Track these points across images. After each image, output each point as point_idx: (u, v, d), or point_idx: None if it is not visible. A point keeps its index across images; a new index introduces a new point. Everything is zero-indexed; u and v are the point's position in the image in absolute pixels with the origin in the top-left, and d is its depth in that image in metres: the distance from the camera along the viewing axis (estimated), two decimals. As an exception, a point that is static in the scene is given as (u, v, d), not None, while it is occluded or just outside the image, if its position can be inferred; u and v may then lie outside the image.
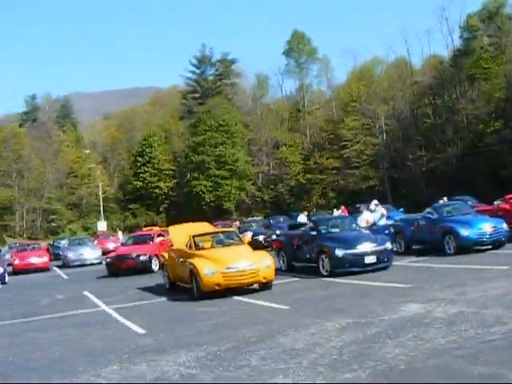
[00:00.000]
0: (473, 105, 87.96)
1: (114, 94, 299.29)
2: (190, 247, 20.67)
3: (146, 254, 31.81)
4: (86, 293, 24.62)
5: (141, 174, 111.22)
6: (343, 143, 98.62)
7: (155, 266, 30.88)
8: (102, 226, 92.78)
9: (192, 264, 19.13)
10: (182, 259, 20.60)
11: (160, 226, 70.71)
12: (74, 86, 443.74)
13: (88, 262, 43.81)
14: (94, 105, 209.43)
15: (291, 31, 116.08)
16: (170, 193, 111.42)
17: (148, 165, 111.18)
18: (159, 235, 36.52)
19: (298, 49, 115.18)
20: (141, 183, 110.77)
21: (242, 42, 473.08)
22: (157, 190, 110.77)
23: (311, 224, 24.78)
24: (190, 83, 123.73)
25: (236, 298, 18.52)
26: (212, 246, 20.95)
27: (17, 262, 43.93)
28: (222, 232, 23.45)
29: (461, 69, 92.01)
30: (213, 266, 18.53)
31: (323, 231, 23.28)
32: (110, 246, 53.08)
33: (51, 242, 63.61)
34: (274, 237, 28.56)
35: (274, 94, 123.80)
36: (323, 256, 21.52)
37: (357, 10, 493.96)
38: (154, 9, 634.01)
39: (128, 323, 15.77)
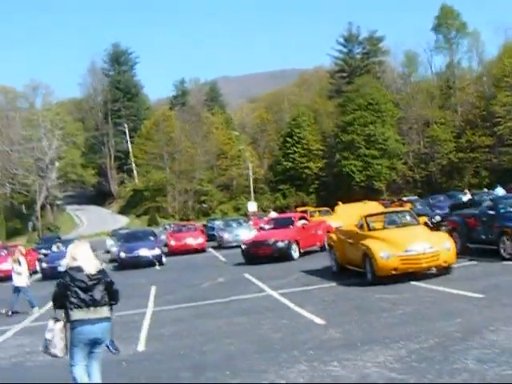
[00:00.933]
0: None
1: (259, 77, 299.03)
2: (362, 228, 19.39)
3: (285, 239, 29.00)
4: (247, 275, 23.92)
5: (290, 155, 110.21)
6: (496, 120, 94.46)
7: (294, 252, 28.92)
8: (252, 206, 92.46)
9: (365, 246, 17.93)
10: (352, 241, 19.45)
11: (310, 207, 69.17)
12: (220, 70, 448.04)
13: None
14: (239, 88, 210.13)
15: (439, 6, 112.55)
16: (320, 173, 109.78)
17: (297, 145, 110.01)
18: (301, 218, 33.12)
19: (446, 24, 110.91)
20: (290, 164, 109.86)
21: (388, 19, 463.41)
22: (306, 171, 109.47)
23: (489, 203, 22.75)
24: (337, 62, 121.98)
25: (413, 283, 17.17)
26: (384, 227, 19.62)
27: (173, 243, 43.95)
28: (396, 212, 21.99)
29: None
30: (389, 249, 17.27)
31: (502, 210, 21.20)
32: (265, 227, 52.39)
33: (205, 223, 63.41)
34: (437, 218, 26.73)
35: (423, 71, 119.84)
36: (505, 237, 19.65)
37: None
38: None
39: (302, 311, 14.74)
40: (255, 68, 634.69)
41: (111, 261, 41.04)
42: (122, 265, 35.07)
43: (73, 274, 8.70)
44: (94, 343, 8.78)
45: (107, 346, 9.12)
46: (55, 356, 9.00)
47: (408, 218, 20.27)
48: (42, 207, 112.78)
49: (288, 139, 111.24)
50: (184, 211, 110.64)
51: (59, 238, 60.38)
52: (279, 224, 32.65)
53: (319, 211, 49.51)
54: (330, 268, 22.06)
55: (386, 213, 21.15)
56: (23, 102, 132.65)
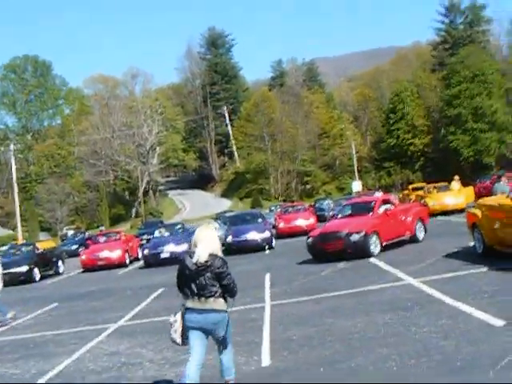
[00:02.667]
0: None
1: (355, 57, 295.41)
2: None
3: (361, 230, 23.18)
4: (373, 260, 21.52)
5: (394, 132, 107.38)
6: None
7: (375, 247, 23.26)
8: (356, 186, 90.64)
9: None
10: (507, 217, 16.69)
11: (420, 183, 66.22)
12: (316, 51, 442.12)
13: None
14: (336, 69, 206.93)
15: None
16: (425, 149, 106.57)
17: (401, 121, 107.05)
18: (385, 202, 26.86)
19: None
20: (394, 140, 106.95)
21: None
22: (411, 147, 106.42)
23: None
24: (439, 34, 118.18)
25: None
26: None
27: (282, 224, 42.13)
28: None
29: None
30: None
31: None
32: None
33: (312, 203, 61.09)
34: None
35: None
36: None
37: None
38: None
39: (462, 306, 12.13)
40: (351, 47, 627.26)
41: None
42: (229, 249, 32.99)
43: (185, 259, 8.34)
44: (206, 333, 8.30)
45: None
46: (174, 342, 8.60)
47: None
48: (145, 193, 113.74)
49: (391, 115, 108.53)
50: (287, 193, 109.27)
51: (162, 223, 59.31)
52: (355, 210, 26.84)
53: (436, 187, 46.44)
54: (469, 250, 19.48)
55: None
56: (123, 89, 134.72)
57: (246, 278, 20.90)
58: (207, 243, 8.23)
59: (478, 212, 18.67)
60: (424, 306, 12.72)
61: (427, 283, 15.14)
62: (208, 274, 8.11)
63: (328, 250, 23.57)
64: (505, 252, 16.96)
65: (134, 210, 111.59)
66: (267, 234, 33.53)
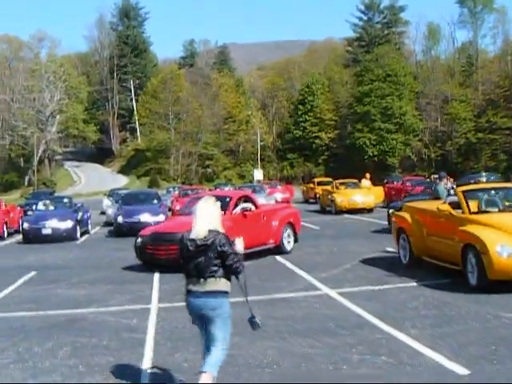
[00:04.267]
0: None
1: (267, 46, 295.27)
2: (459, 208, 14.36)
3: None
4: (281, 259, 18.98)
5: (301, 123, 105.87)
6: None
7: None
8: (258, 174, 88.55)
9: (471, 235, 12.95)
10: (443, 226, 14.53)
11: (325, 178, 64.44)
12: (228, 36, 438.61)
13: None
14: (247, 56, 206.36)
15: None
16: (331, 144, 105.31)
17: (309, 113, 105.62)
18: (245, 200, 21.03)
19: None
20: (301, 132, 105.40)
21: None
22: (317, 141, 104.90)
23: None
24: (356, 30, 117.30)
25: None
26: (482, 209, 14.51)
27: (178, 208, 39.15)
28: (503, 188, 16.33)
29: None
30: (511, 243, 12.39)
31: None
32: (278, 197, 47.95)
33: (213, 188, 58.35)
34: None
35: (445, 45, 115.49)
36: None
37: None
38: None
39: (402, 337, 9.61)
40: (263, 37, 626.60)
41: (106, 224, 36.02)
42: (118, 231, 29.74)
43: (185, 237, 7.60)
44: (203, 319, 7.53)
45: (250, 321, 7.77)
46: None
47: None
48: (40, 161, 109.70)
49: (300, 107, 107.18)
50: (187, 175, 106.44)
51: (51, 194, 55.07)
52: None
53: (344, 183, 44.35)
54: (391, 257, 17.25)
55: (487, 189, 15.64)
56: (28, 52, 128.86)
57: (133, 268, 18.41)
58: (206, 218, 7.51)
59: (407, 216, 16.43)
60: (353, 331, 10.08)
61: (348, 296, 12.69)
62: (209, 253, 7.36)
63: (160, 256, 18.35)
64: (433, 264, 14.84)
65: (26, 178, 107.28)
66: (162, 217, 30.27)
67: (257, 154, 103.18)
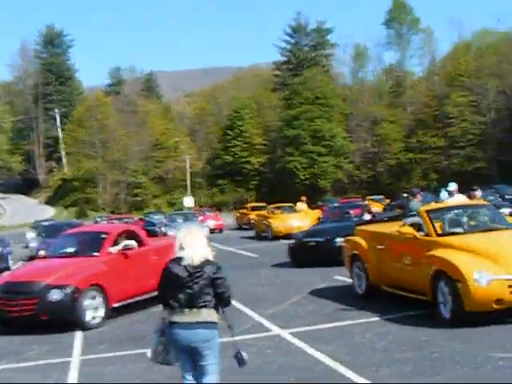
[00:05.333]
0: None
1: (193, 73, 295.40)
2: (424, 231, 12.72)
3: (67, 284, 14.13)
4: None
5: (230, 149, 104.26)
6: (448, 121, 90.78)
7: (93, 312, 14.44)
8: (188, 201, 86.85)
9: (442, 261, 11.35)
10: (407, 251, 12.89)
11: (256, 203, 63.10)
12: (155, 64, 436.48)
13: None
14: (174, 83, 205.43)
15: (392, 0, 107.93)
16: (261, 169, 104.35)
17: (238, 138, 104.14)
18: (127, 237, 16.88)
19: (399, 19, 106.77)
20: (230, 158, 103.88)
21: (339, 11, 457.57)
22: (247, 166, 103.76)
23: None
24: (284, 53, 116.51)
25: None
26: (446, 231, 12.87)
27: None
28: (468, 206, 14.56)
29: None
30: (489, 268, 10.83)
31: None
32: (211, 224, 46.49)
33: (142, 217, 56.15)
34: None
35: (373, 66, 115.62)
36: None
37: None
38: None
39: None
40: (189, 64, 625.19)
41: (30, 258, 33.76)
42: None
43: (172, 265, 7.21)
44: (193, 353, 7.09)
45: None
46: (168, 363, 7.36)
47: (496, 218, 13.65)
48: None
49: (229, 132, 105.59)
50: (115, 204, 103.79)
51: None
52: (76, 246, 17.07)
53: (279, 207, 43.07)
54: (343, 286, 15.64)
55: (451, 208, 13.90)
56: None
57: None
58: (198, 246, 7.24)
59: (361, 241, 14.79)
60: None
61: (304, 338, 10.99)
62: (202, 281, 7.12)
63: (11, 313, 14.32)
64: (393, 294, 13.26)
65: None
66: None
67: (186, 180, 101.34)
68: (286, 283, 18.29)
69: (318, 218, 33.40)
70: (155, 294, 16.32)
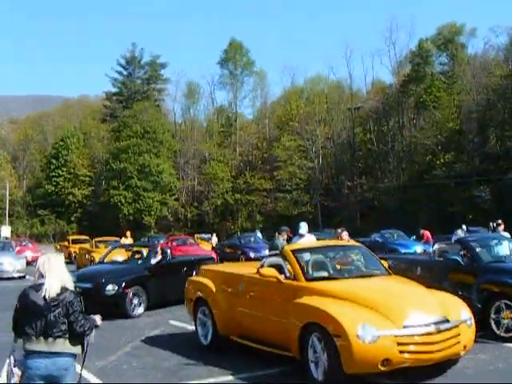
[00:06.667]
0: (422, 134, 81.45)
1: (21, 100, 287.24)
2: (289, 274, 10.91)
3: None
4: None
5: (54, 178, 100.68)
6: (277, 164, 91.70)
7: None
8: (5, 231, 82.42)
9: (316, 311, 9.55)
10: (268, 298, 11.03)
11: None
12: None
13: (6, 276, 33.22)
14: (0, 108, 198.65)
15: (228, 41, 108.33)
16: (85, 201, 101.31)
17: (63, 168, 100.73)
18: None
19: (234, 59, 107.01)
20: (53, 188, 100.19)
21: (174, 47, 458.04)
22: (70, 197, 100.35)
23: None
24: (115, 85, 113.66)
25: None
26: (310, 275, 11.00)
27: None
28: (343, 247, 12.98)
29: (409, 95, 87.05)
30: (375, 322, 9.15)
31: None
32: (29, 255, 43.63)
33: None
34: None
35: (205, 104, 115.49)
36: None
37: (298, 25, 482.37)
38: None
39: None
40: (18, 90, 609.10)
41: None
42: None
43: (29, 293, 6.95)
44: (49, 382, 6.78)
45: None
46: None
47: (373, 263, 11.97)
48: None
49: (53, 161, 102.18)
50: None
51: None
52: None
53: (103, 241, 41.03)
54: (186, 337, 13.63)
55: (320, 249, 12.15)
56: None
57: None
58: (57, 274, 6.96)
59: (209, 283, 12.69)
60: None
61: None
62: (59, 310, 6.81)
63: None
64: (247, 347, 11.39)
65: None
66: None
67: (5, 209, 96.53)
68: (115, 326, 16.01)
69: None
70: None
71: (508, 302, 12.74)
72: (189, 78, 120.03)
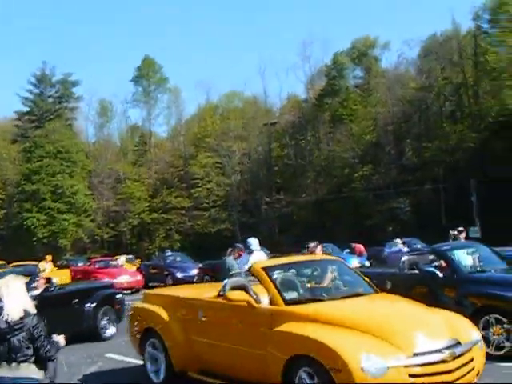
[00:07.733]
0: (339, 147, 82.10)
1: None
2: (253, 297, 9.35)
3: None
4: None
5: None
6: (194, 181, 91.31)
7: None
8: None
9: (305, 341, 7.99)
10: (235, 323, 9.49)
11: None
12: None
13: None
14: None
15: (141, 58, 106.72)
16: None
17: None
18: None
19: (147, 76, 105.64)
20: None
21: (86, 65, 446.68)
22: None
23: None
24: (26, 104, 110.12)
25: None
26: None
27: None
28: (319, 262, 11.33)
29: (325, 109, 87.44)
30: (381, 350, 7.63)
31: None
32: None
33: None
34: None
35: (118, 122, 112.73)
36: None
37: (212, 41, 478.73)
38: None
39: None
40: None
41: None
42: None
43: None
44: None
45: None
46: None
47: (346, 276, 10.54)
48: None
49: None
50: None
51: None
52: None
53: (21, 266, 38.67)
54: (131, 373, 11.99)
55: (294, 264, 10.57)
56: None
57: None
58: (17, 297, 6.79)
59: (160, 310, 10.97)
60: None
61: None
62: (23, 334, 6.66)
63: None
64: (201, 382, 9.84)
65: None
66: None
67: None
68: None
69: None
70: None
71: (498, 316, 11.62)
72: (101, 95, 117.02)
